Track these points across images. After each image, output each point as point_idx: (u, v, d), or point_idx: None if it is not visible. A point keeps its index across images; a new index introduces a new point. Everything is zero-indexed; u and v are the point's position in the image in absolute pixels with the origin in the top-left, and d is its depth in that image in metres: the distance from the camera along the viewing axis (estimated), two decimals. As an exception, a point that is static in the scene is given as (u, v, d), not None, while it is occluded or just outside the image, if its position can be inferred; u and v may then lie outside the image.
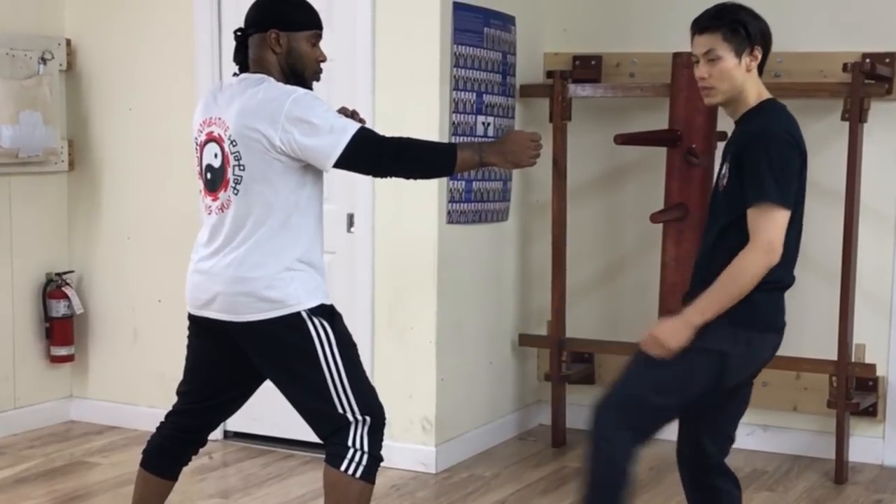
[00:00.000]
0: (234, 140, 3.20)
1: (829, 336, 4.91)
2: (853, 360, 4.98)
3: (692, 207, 4.91)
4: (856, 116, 4.77)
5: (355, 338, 4.01)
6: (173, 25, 5.34)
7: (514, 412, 5.57)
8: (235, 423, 5.26)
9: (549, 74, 5.41)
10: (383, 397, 4.92)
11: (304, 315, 3.22)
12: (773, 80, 5.08)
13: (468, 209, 5.05)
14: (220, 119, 3.25)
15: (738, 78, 3.11)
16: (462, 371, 5.10)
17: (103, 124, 5.58)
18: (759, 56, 3.14)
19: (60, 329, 5.53)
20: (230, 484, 4.81)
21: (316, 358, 3.22)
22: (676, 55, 4.97)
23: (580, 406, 5.58)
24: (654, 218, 4.89)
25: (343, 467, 3.22)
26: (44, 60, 5.38)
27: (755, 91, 3.16)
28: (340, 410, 3.23)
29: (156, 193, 5.38)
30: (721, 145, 5.01)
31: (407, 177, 3.39)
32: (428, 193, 4.85)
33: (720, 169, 3.21)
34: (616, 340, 5.41)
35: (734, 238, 3.06)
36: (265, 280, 3.20)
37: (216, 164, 3.25)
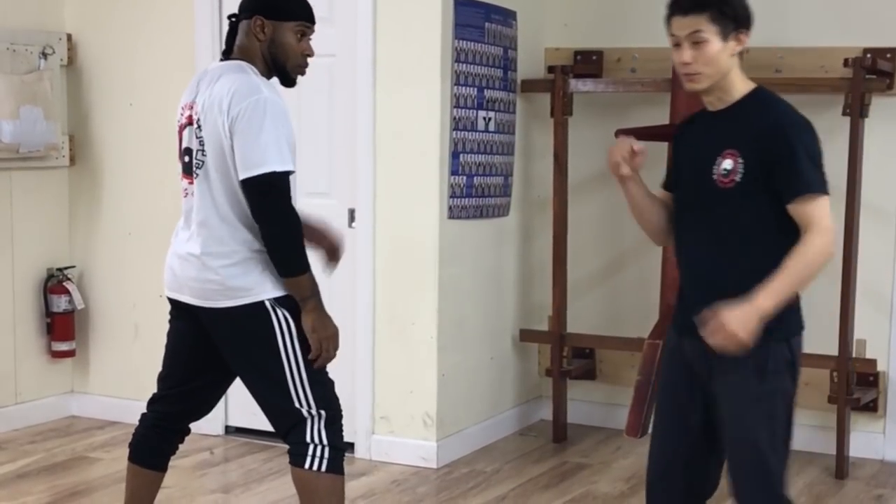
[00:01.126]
0: (200, 124, 3.23)
1: (829, 331, 4.90)
2: (854, 355, 4.97)
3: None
4: (857, 112, 4.77)
5: (356, 333, 4.03)
6: (174, 20, 5.34)
7: (514, 407, 5.57)
8: (236, 418, 5.27)
9: (551, 69, 5.41)
10: (384, 393, 4.97)
11: (268, 305, 3.23)
12: (774, 76, 5.08)
13: (469, 204, 5.05)
14: (195, 103, 3.28)
15: (723, 63, 2.89)
16: (463, 366, 5.11)
17: (104, 119, 5.58)
18: (746, 40, 2.93)
19: (61, 324, 5.53)
20: (231, 479, 4.81)
21: (276, 349, 3.23)
22: (677, 50, 4.95)
23: (581, 401, 5.60)
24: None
25: (307, 465, 3.25)
26: (44, 55, 5.37)
27: (741, 78, 2.95)
28: (297, 405, 3.24)
29: (156, 189, 5.38)
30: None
31: (269, 239, 3.20)
32: (429, 189, 4.85)
33: (710, 161, 2.92)
34: (617, 336, 5.41)
35: (761, 237, 2.88)
36: (230, 268, 3.22)
37: (192, 147, 3.28)
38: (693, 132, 3.07)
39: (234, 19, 3.36)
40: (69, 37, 5.56)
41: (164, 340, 3.56)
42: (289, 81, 3.36)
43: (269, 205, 3.18)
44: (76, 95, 5.62)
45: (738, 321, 2.76)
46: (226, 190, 3.22)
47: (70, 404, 5.71)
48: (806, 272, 2.82)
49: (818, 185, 2.86)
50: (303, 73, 3.37)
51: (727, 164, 2.89)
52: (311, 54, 3.35)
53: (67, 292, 5.52)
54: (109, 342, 5.64)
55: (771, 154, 2.84)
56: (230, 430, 5.35)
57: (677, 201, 3.08)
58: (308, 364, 3.24)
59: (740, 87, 2.95)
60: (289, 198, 3.21)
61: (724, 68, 2.90)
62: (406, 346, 4.95)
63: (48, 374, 5.61)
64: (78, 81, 5.61)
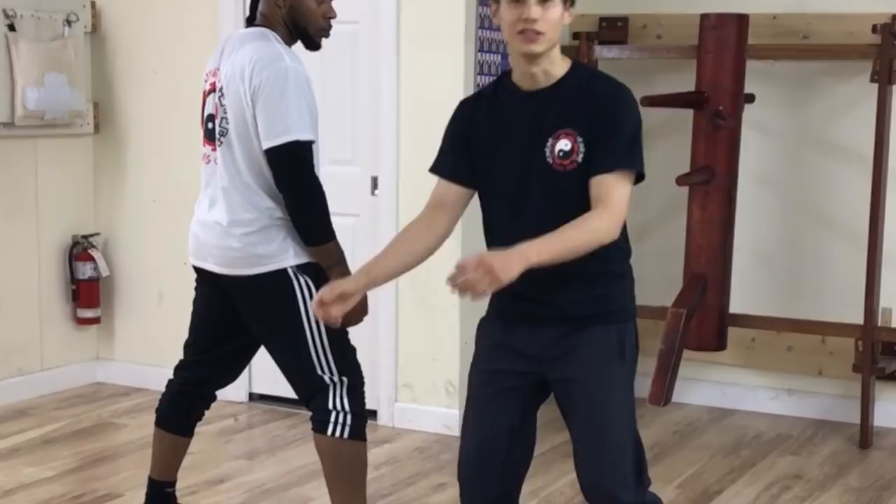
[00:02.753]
0: (224, 92, 3.22)
1: (855, 300, 4.87)
2: (879, 324, 4.94)
3: (718, 170, 4.87)
4: (885, 78, 4.71)
5: (379, 302, 4.01)
6: (197, -13, 5.33)
7: (538, 375, 5.56)
8: (260, 385, 5.29)
9: (576, 36, 5.37)
10: (407, 360, 4.98)
11: (291, 272, 3.24)
12: (802, 42, 5.03)
13: (493, 172, 5.02)
14: (218, 70, 3.28)
15: (558, 31, 2.65)
16: (486, 334, 5.10)
17: (128, 87, 5.58)
18: (570, 19, 2.68)
19: (87, 291, 5.56)
20: (255, 445, 4.83)
21: (298, 316, 3.24)
22: (704, 16, 4.91)
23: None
24: (680, 181, 4.85)
25: (329, 431, 3.27)
26: (69, 23, 5.38)
27: (560, 54, 2.72)
28: (319, 371, 3.26)
29: (180, 156, 5.38)
30: (749, 108, 5.03)
31: (293, 209, 3.21)
32: (452, 156, 4.83)
33: (537, 144, 2.70)
34: (640, 304, 5.36)
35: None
36: (252, 235, 3.23)
37: (214, 114, 3.28)
38: (500, 111, 2.78)
39: None
40: (93, 4, 5.55)
41: (188, 307, 3.58)
42: (313, 45, 3.35)
43: (292, 174, 3.18)
44: (100, 63, 5.62)
45: (501, 263, 2.51)
46: (248, 158, 3.22)
47: (95, 371, 5.75)
48: (578, 245, 2.60)
49: (628, 163, 2.67)
50: (326, 36, 3.35)
51: (564, 144, 2.67)
52: (333, 16, 3.33)
53: (92, 259, 5.55)
54: (134, 309, 5.66)
55: (599, 128, 2.65)
56: (254, 397, 5.37)
57: (490, 188, 2.82)
58: (330, 331, 3.25)
59: (562, 62, 2.72)
60: (312, 166, 3.20)
61: (556, 38, 2.67)
62: (428, 314, 4.95)
63: (73, 341, 5.64)
64: (102, 48, 5.61)
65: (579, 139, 2.66)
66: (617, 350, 2.76)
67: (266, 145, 3.16)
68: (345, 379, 3.28)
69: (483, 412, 2.88)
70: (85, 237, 5.59)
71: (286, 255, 3.24)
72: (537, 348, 2.78)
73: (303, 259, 3.26)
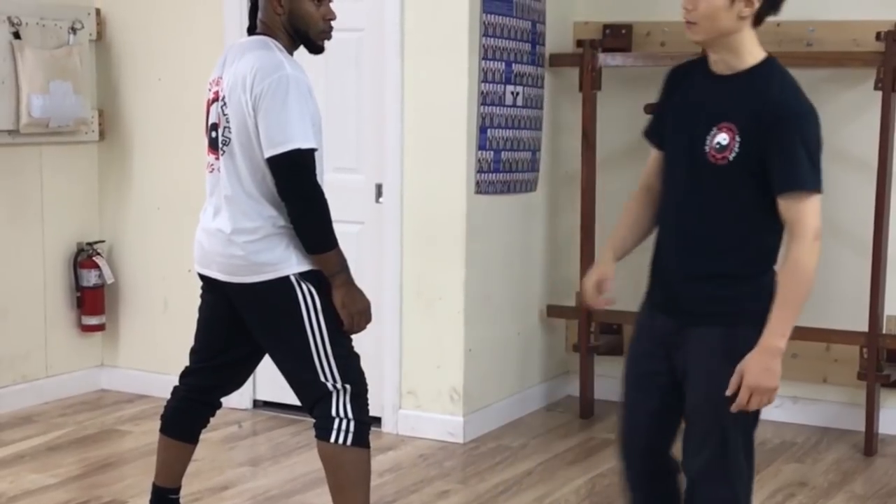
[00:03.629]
0: (226, 101, 3.24)
1: (859, 307, 4.87)
2: (884, 331, 4.94)
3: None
4: (889, 86, 4.71)
5: (383, 309, 4.00)
6: (202, -5, 5.34)
7: (541, 383, 5.57)
8: (264, 392, 5.30)
9: (579, 44, 5.37)
10: (411, 368, 4.98)
11: (293, 279, 3.24)
12: (805, 50, 5.03)
13: (497, 179, 5.04)
14: (221, 79, 3.30)
15: (724, 21, 2.69)
16: (490, 341, 5.11)
17: (133, 94, 5.59)
18: (757, 6, 2.71)
19: (91, 298, 5.57)
20: (259, 452, 4.84)
21: (301, 323, 3.24)
22: (707, 24, 4.91)
23: (608, 377, 5.57)
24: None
25: (332, 438, 3.26)
26: (74, 30, 5.39)
27: (751, 45, 2.75)
28: (322, 378, 3.26)
29: (185, 163, 5.39)
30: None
31: (295, 217, 3.22)
32: (456, 164, 4.84)
33: (704, 129, 2.75)
34: (645, 311, 5.38)
35: (749, 215, 2.76)
36: (255, 243, 3.24)
37: (218, 123, 3.30)
38: (690, 87, 2.86)
39: None
40: (98, 11, 5.57)
41: (193, 314, 3.58)
42: (315, 49, 3.36)
43: (294, 182, 3.19)
44: (105, 70, 5.63)
45: (762, 375, 2.69)
46: (251, 166, 3.23)
47: (100, 378, 5.75)
48: (802, 292, 2.70)
49: (812, 183, 2.69)
50: (328, 38, 3.36)
51: (722, 137, 2.73)
52: (333, 17, 3.34)
53: (97, 267, 5.55)
54: (139, 316, 5.67)
55: (768, 138, 2.67)
56: (258, 404, 5.38)
57: (665, 160, 2.92)
58: (333, 338, 3.26)
59: (749, 55, 2.75)
60: (313, 174, 3.21)
61: (723, 27, 2.70)
62: (433, 321, 4.95)
63: (78, 347, 5.65)
64: (107, 56, 5.63)
65: (737, 137, 2.70)
66: (720, 350, 2.79)
67: (268, 154, 3.17)
68: (348, 386, 3.28)
69: (629, 393, 3.06)
70: (90, 244, 5.60)
71: (289, 262, 3.25)
72: (662, 334, 2.91)
73: (305, 267, 3.26)
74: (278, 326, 3.30)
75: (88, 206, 5.66)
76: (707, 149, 2.75)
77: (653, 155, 3.02)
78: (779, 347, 2.69)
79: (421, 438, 4.94)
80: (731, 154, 2.72)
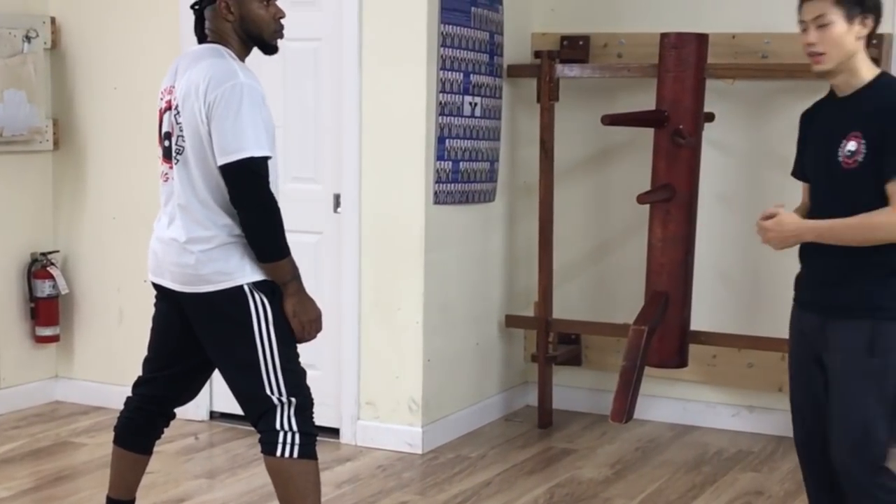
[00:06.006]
0: (179, 110, 3.22)
1: (814, 317, 4.91)
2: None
3: (679, 188, 4.91)
4: (843, 98, 4.76)
5: (342, 318, 3.99)
6: (158, 4, 5.30)
7: (500, 393, 5.57)
8: (221, 403, 5.26)
9: (537, 55, 5.39)
10: (370, 378, 4.98)
11: (247, 289, 3.23)
12: (760, 61, 5.08)
13: (455, 189, 5.04)
14: (173, 88, 3.28)
15: (848, 45, 3.03)
16: (449, 352, 5.10)
17: (88, 103, 5.55)
18: (871, 25, 3.06)
19: (45, 309, 5.51)
20: (216, 464, 4.80)
21: (251, 334, 3.23)
22: (664, 35, 4.95)
23: (567, 387, 5.60)
24: (641, 199, 4.88)
25: (279, 452, 3.25)
26: (28, 39, 5.34)
27: (867, 63, 3.09)
28: (268, 391, 3.24)
29: (141, 173, 5.35)
30: (709, 126, 5.07)
31: (248, 225, 3.20)
32: (415, 174, 4.84)
33: (836, 143, 3.06)
34: (603, 321, 5.41)
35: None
36: (209, 252, 3.23)
37: (171, 132, 3.28)
38: (820, 118, 3.20)
39: (197, 7, 3.38)
40: (53, 20, 5.52)
41: (148, 325, 3.55)
42: (269, 49, 3.36)
43: (247, 190, 3.17)
44: (60, 79, 5.59)
45: (789, 227, 3.10)
46: (204, 175, 3.22)
47: (54, 389, 5.69)
48: (865, 233, 3.00)
49: None
50: (281, 37, 3.37)
51: (851, 145, 3.03)
52: (283, 16, 3.36)
53: (51, 277, 5.50)
54: (94, 327, 5.62)
55: (882, 133, 2.98)
56: (215, 416, 5.34)
57: (810, 181, 3.25)
58: (282, 351, 3.25)
59: (866, 72, 3.08)
60: (267, 183, 3.20)
61: (848, 50, 3.03)
62: (391, 332, 4.94)
63: (32, 359, 5.59)
64: (62, 65, 5.58)
65: (863, 140, 3.01)
66: (864, 346, 3.06)
67: (221, 162, 3.15)
68: (293, 399, 3.27)
69: (792, 389, 3.37)
70: (44, 254, 5.54)
71: (242, 272, 3.24)
72: (808, 332, 3.21)
73: (259, 276, 3.25)
74: (228, 337, 3.28)
75: (42, 215, 5.60)
76: (840, 158, 3.06)
77: (802, 188, 3.35)
78: (814, 232, 3.09)
79: (379, 449, 4.93)
80: (860, 157, 3.02)
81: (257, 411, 3.29)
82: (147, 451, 3.58)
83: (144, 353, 3.57)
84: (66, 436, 5.13)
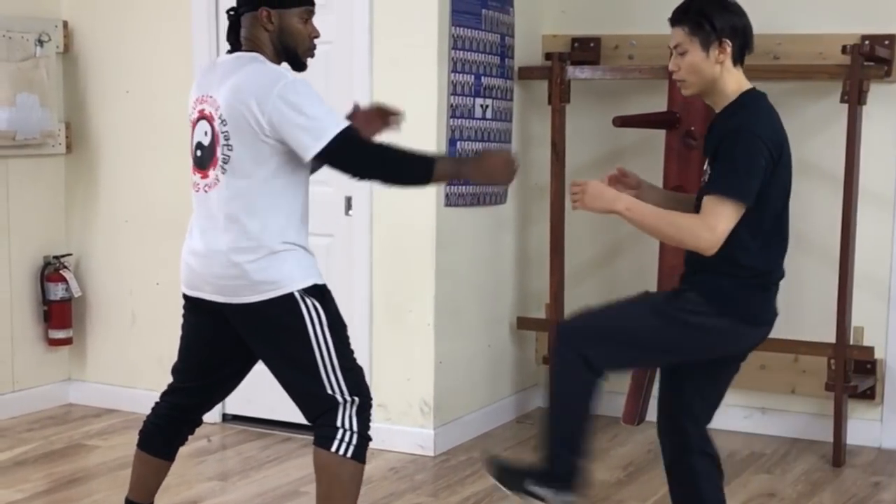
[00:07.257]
0: (224, 119, 3.20)
1: (827, 319, 4.91)
2: (851, 342, 4.98)
3: (690, 190, 4.88)
4: (855, 98, 4.76)
5: (354, 321, 3.98)
6: (170, 7, 5.32)
7: (512, 395, 5.57)
8: (233, 405, 5.27)
9: (548, 57, 5.39)
10: (382, 380, 4.98)
11: (297, 296, 3.22)
12: (772, 63, 5.08)
13: (466, 192, 5.04)
14: (211, 97, 3.25)
15: (706, 71, 3.11)
16: (460, 354, 5.11)
17: (100, 107, 5.57)
18: (729, 49, 3.11)
19: (58, 312, 5.53)
20: (229, 466, 4.81)
21: (307, 339, 3.22)
22: (675, 37, 4.95)
23: (578, 389, 5.59)
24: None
25: (334, 448, 3.24)
26: (41, 42, 5.36)
27: (734, 83, 3.15)
28: (329, 391, 3.24)
29: (153, 176, 5.37)
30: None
31: (384, 182, 3.31)
32: (426, 176, 4.84)
33: (705, 163, 3.19)
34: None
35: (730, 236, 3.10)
36: (256, 262, 3.21)
37: (206, 141, 3.26)
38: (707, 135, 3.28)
39: (233, 13, 3.35)
40: (65, 24, 5.54)
41: (161, 328, 3.57)
42: (300, 66, 3.36)
43: (358, 158, 3.20)
44: (72, 83, 5.61)
45: (600, 195, 3.15)
46: (254, 183, 3.19)
47: (67, 392, 5.71)
48: (665, 229, 3.10)
49: (728, 190, 3.01)
50: (312, 56, 3.38)
51: (707, 166, 3.14)
52: (317, 36, 3.36)
53: (64, 280, 5.52)
54: (106, 330, 5.63)
55: (715, 152, 3.07)
56: (227, 418, 5.35)
57: None
58: (339, 352, 3.25)
59: (731, 91, 3.15)
60: (364, 143, 3.22)
61: (708, 76, 3.12)
62: (403, 334, 4.95)
63: (45, 361, 5.60)
64: (74, 69, 5.60)
65: (707, 164, 3.13)
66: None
67: (317, 150, 3.13)
68: (356, 398, 3.27)
69: None
70: (57, 258, 5.56)
71: (292, 279, 3.23)
72: None
73: (308, 282, 3.25)
74: (285, 343, 3.26)
75: (55, 219, 5.62)
76: (705, 178, 3.13)
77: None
78: (621, 206, 3.15)
79: (391, 451, 4.93)
80: (706, 177, 3.12)
81: (319, 409, 3.28)
82: (171, 457, 3.58)
83: (157, 355, 3.59)
84: (79, 438, 5.14)
